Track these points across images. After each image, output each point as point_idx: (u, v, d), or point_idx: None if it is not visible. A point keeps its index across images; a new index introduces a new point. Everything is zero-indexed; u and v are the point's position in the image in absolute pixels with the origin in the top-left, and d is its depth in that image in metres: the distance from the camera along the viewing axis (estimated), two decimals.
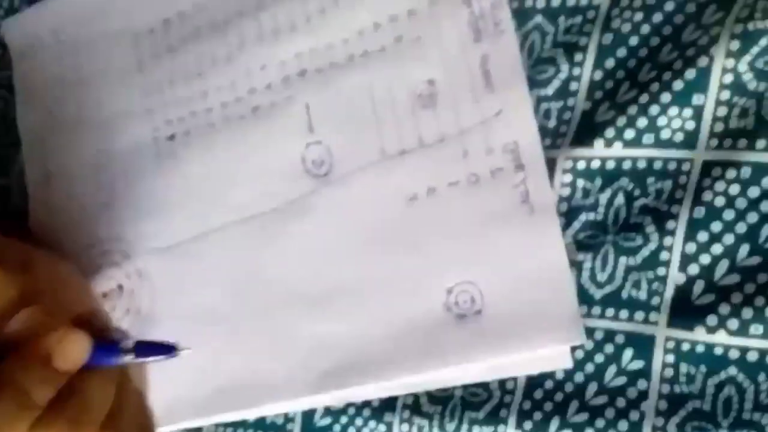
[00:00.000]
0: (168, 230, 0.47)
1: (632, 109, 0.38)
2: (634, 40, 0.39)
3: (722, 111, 0.37)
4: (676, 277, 0.37)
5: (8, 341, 0.33)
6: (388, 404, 0.42)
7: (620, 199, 0.39)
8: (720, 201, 0.36)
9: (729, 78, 0.36)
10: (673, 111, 0.37)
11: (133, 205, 0.49)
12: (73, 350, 0.33)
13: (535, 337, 0.39)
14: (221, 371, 0.45)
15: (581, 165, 0.39)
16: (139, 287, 0.48)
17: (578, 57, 0.40)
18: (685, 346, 0.36)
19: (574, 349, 0.39)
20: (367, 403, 0.43)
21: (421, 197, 0.42)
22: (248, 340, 0.45)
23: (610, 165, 0.39)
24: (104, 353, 0.34)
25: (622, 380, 0.38)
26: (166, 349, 0.35)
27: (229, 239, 0.46)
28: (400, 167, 0.42)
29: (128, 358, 0.35)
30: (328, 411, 0.44)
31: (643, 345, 0.37)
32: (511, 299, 0.40)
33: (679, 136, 0.37)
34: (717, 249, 0.36)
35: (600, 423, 0.38)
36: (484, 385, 0.40)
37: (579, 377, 0.39)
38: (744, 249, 0.36)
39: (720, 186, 0.36)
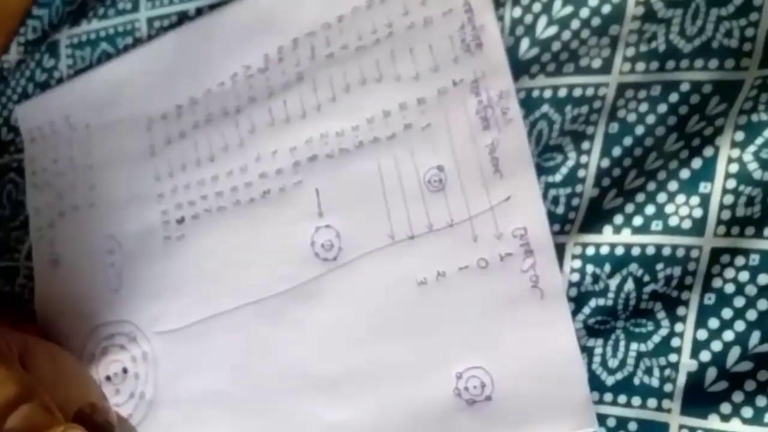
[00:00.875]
0: (175, 313, 0.47)
1: (640, 197, 0.39)
2: (639, 130, 0.40)
3: (729, 199, 0.37)
4: (688, 364, 0.37)
5: None
6: None
7: (630, 285, 0.39)
8: (730, 288, 0.36)
9: (735, 167, 0.37)
10: (681, 199, 0.38)
11: (141, 289, 0.49)
12: None
13: (546, 423, 0.39)
14: None
15: (590, 251, 0.39)
16: (144, 371, 0.48)
17: (585, 145, 0.41)
18: None
19: None
20: None
21: (430, 282, 0.42)
22: (256, 426, 0.44)
23: (619, 251, 0.39)
24: None
25: None
26: None
27: (237, 323, 0.46)
28: (410, 252, 0.43)
29: None
30: None
31: None
32: (521, 385, 0.40)
33: (687, 224, 0.38)
34: (728, 336, 0.36)
35: None
36: None
37: None
38: (755, 336, 0.36)
39: (729, 273, 0.36)
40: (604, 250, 0.39)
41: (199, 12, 0.51)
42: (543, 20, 0.43)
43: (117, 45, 0.53)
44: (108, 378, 0.49)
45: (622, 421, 0.38)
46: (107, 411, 0.38)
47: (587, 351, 0.39)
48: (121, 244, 0.50)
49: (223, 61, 0.49)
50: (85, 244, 0.51)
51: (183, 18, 0.51)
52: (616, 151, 0.40)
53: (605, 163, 0.40)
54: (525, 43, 0.43)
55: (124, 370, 0.48)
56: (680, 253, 0.38)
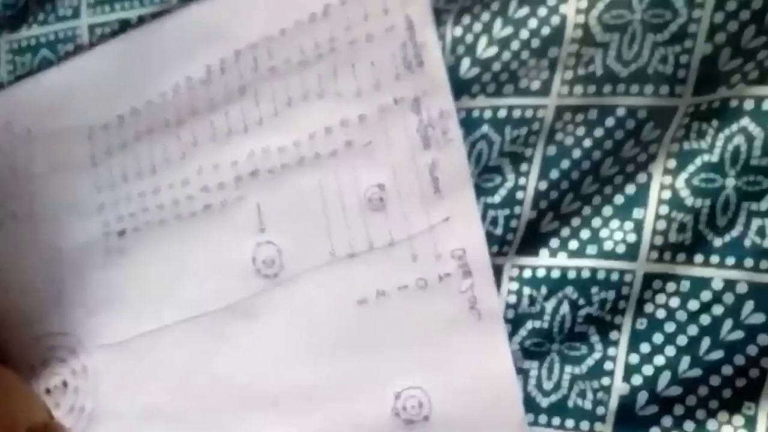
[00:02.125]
0: (116, 327, 0.47)
1: (576, 221, 0.39)
2: (576, 153, 0.40)
3: (661, 225, 0.38)
4: (620, 388, 0.37)
5: None
6: None
7: (565, 308, 0.39)
8: (661, 313, 0.37)
9: (667, 194, 0.37)
10: (615, 224, 0.38)
11: (82, 301, 0.48)
12: None
13: None
14: None
15: (527, 273, 0.40)
16: (84, 384, 0.47)
17: (524, 167, 0.41)
18: None
19: None
20: None
21: (370, 301, 0.42)
22: None
23: (555, 274, 0.39)
24: None
25: None
26: None
27: (177, 337, 0.46)
28: (350, 270, 0.43)
29: None
30: None
31: None
32: (458, 405, 0.40)
33: (621, 248, 0.38)
34: (659, 360, 0.37)
35: None
36: None
37: None
38: (685, 361, 0.36)
39: (661, 299, 0.37)
40: (541, 273, 0.39)
41: (142, 20, 0.50)
42: (483, 40, 0.42)
43: (58, 51, 0.52)
44: (48, 391, 0.48)
45: None
46: (60, 429, 0.37)
47: (523, 373, 0.39)
48: (62, 255, 0.49)
49: (165, 71, 0.49)
50: (24, 254, 0.50)
51: (125, 26, 0.51)
52: (554, 174, 0.40)
53: (543, 185, 0.40)
54: (466, 63, 0.43)
55: (64, 384, 0.48)
56: (614, 277, 0.38)
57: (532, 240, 0.40)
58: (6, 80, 0.53)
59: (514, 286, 0.40)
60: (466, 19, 0.43)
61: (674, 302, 0.37)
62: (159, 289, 0.46)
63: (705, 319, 0.36)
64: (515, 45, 0.42)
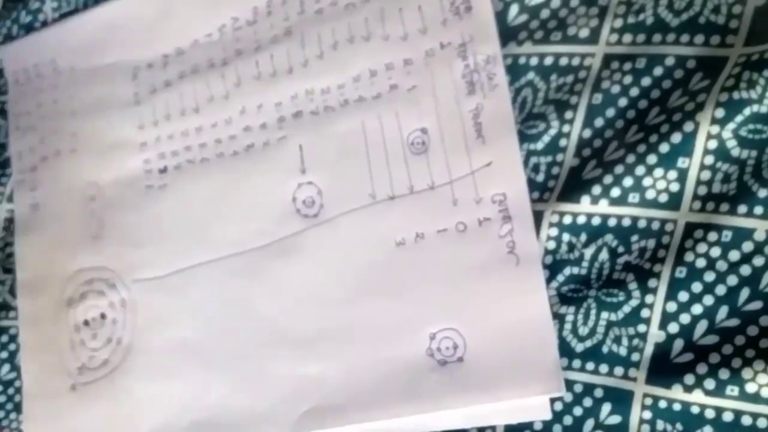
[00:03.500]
0: (155, 263, 0.48)
1: (619, 169, 0.39)
2: (623, 102, 0.40)
3: (706, 175, 0.38)
4: (656, 335, 0.38)
5: None
6: None
7: (604, 255, 0.39)
8: (701, 263, 0.37)
9: (713, 144, 0.37)
10: (659, 172, 0.38)
11: (121, 237, 0.49)
12: None
13: (515, 386, 0.39)
14: (200, 406, 0.45)
15: (567, 220, 0.40)
16: (122, 317, 0.48)
17: (569, 115, 0.41)
18: (662, 404, 0.37)
19: (553, 400, 0.39)
20: None
21: (409, 243, 0.42)
22: (229, 377, 0.45)
23: (596, 221, 0.39)
24: None
25: None
26: None
27: (215, 275, 0.46)
28: (390, 212, 0.43)
29: None
30: None
31: (621, 400, 0.38)
32: (492, 348, 0.40)
33: (664, 197, 0.38)
34: (697, 309, 0.37)
35: None
36: None
37: (557, 429, 0.39)
38: (723, 311, 0.37)
39: (702, 248, 0.37)
40: (581, 220, 0.40)
41: None
42: None
43: None
44: (86, 322, 0.49)
45: (589, 388, 0.39)
46: None
47: (559, 318, 0.40)
48: (103, 191, 0.50)
49: (211, 11, 0.49)
50: (66, 190, 0.51)
51: None
52: (599, 122, 0.40)
53: (587, 133, 0.40)
54: (514, 9, 0.43)
55: (102, 316, 0.49)
56: (655, 226, 0.38)
57: (574, 187, 0.40)
58: (51, 17, 0.54)
59: (554, 232, 0.40)
60: None
61: (715, 252, 0.37)
62: (198, 227, 0.47)
63: (745, 270, 0.36)
64: None
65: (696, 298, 0.37)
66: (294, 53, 0.46)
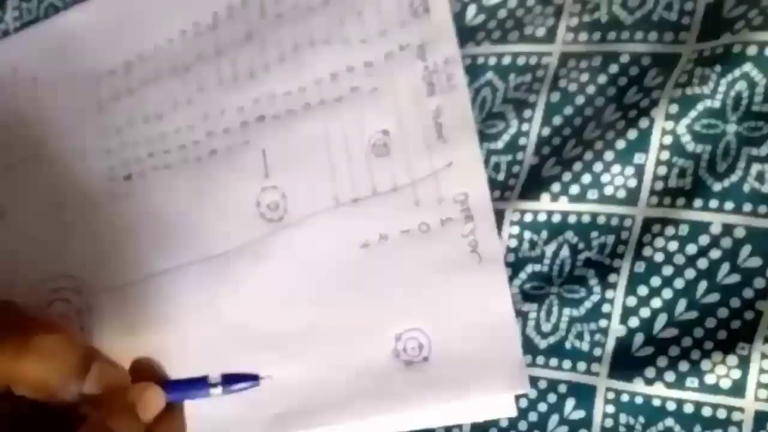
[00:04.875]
0: (121, 269, 0.48)
1: (577, 166, 0.39)
2: (580, 100, 0.40)
3: (662, 170, 0.38)
4: (617, 330, 0.38)
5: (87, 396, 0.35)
6: None
7: (565, 252, 0.40)
8: (659, 257, 0.37)
9: (668, 139, 0.38)
10: (616, 169, 0.39)
11: (87, 244, 0.49)
12: (152, 402, 0.35)
13: (480, 384, 0.40)
14: None
15: (528, 217, 0.40)
16: (88, 324, 0.48)
17: (527, 113, 0.41)
18: (625, 397, 0.37)
19: (518, 397, 0.39)
20: None
21: (373, 244, 0.43)
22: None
23: (556, 218, 0.40)
24: (195, 388, 0.37)
25: (564, 429, 0.39)
26: (250, 378, 0.37)
27: (182, 281, 0.46)
28: (353, 215, 0.43)
29: (217, 391, 0.37)
30: None
31: (584, 395, 0.38)
32: (457, 347, 0.40)
33: (622, 193, 0.39)
34: (656, 303, 0.37)
35: None
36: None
37: (523, 426, 0.39)
38: (682, 304, 0.37)
39: (659, 242, 0.37)
40: (542, 217, 0.40)
41: None
42: None
43: None
44: None
45: (553, 384, 0.39)
46: (156, 362, 0.39)
47: (522, 315, 0.40)
48: (68, 199, 0.50)
49: (172, 17, 0.49)
50: (31, 198, 0.51)
51: None
52: (557, 120, 0.41)
53: (546, 131, 0.41)
54: (472, 10, 0.43)
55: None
56: (614, 222, 0.39)
57: (534, 185, 0.40)
58: (12, 27, 0.53)
59: (515, 230, 0.40)
60: None
61: (672, 246, 0.37)
62: (164, 233, 0.47)
63: (702, 263, 0.37)
64: None
65: (655, 292, 0.37)
66: (255, 57, 0.47)
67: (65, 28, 0.52)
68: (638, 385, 0.37)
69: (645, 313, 0.38)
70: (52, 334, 0.36)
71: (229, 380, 0.37)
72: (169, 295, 0.46)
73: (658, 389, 0.37)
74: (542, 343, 0.39)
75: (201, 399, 0.37)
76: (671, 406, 0.37)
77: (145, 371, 0.37)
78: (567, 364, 0.39)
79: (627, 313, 0.38)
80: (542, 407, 0.39)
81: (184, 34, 0.49)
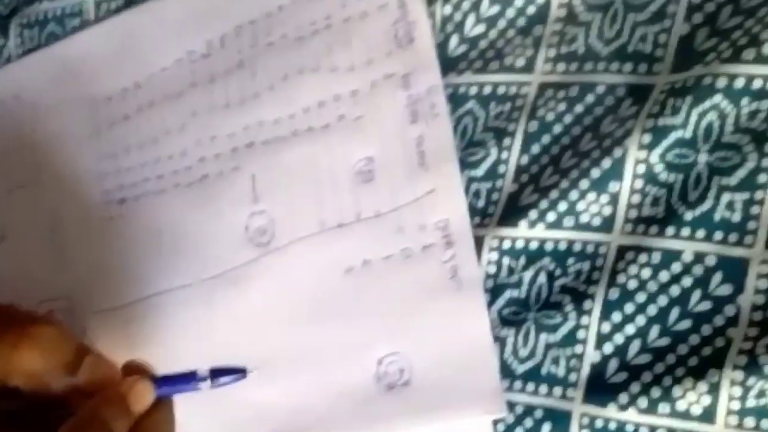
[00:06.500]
0: (113, 293, 0.49)
1: (554, 194, 0.40)
2: (557, 129, 0.41)
3: (636, 199, 0.39)
4: (592, 355, 0.39)
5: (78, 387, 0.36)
6: None
7: (542, 278, 0.40)
8: (633, 284, 0.38)
9: (642, 168, 0.38)
10: (592, 196, 0.39)
11: (82, 267, 0.50)
12: (143, 394, 0.37)
13: (459, 408, 0.40)
14: None
15: (507, 244, 0.41)
16: None
17: (507, 142, 0.42)
18: (599, 423, 0.38)
19: (496, 422, 0.40)
20: None
21: (356, 269, 0.43)
22: (187, 405, 0.45)
23: (534, 245, 0.40)
24: (184, 382, 0.38)
25: None
26: (237, 371, 0.38)
27: (172, 304, 0.47)
28: (338, 239, 0.44)
29: (205, 385, 0.38)
30: None
31: (560, 420, 0.39)
32: (437, 371, 0.41)
33: (597, 221, 0.39)
34: (630, 330, 0.38)
35: None
36: None
37: None
38: (654, 330, 0.37)
39: (633, 269, 0.38)
40: (520, 244, 0.41)
41: None
42: (471, 18, 0.44)
43: (65, 26, 0.53)
44: None
45: (530, 408, 0.39)
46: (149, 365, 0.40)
47: (500, 340, 0.40)
48: (65, 223, 0.51)
49: (168, 46, 0.50)
50: (30, 222, 0.52)
51: (130, 1, 0.52)
52: (535, 149, 0.41)
53: (524, 159, 0.42)
54: (454, 40, 0.44)
55: None
56: (590, 249, 0.39)
57: (512, 212, 0.41)
58: (15, 54, 0.55)
59: (494, 256, 0.41)
60: None
61: (646, 273, 0.38)
62: (155, 257, 0.48)
63: (675, 290, 0.37)
64: (502, 23, 0.43)
65: (629, 319, 0.38)
66: (246, 85, 0.48)
67: (65, 56, 0.53)
68: (612, 411, 0.37)
69: (619, 339, 0.38)
70: (49, 326, 0.37)
71: (217, 374, 0.38)
72: (160, 317, 0.47)
73: (631, 415, 0.37)
74: (519, 368, 0.40)
75: (191, 392, 0.38)
76: None
77: (136, 370, 0.38)
78: (543, 389, 0.39)
79: (601, 339, 0.38)
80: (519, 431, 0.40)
81: (179, 62, 0.50)
